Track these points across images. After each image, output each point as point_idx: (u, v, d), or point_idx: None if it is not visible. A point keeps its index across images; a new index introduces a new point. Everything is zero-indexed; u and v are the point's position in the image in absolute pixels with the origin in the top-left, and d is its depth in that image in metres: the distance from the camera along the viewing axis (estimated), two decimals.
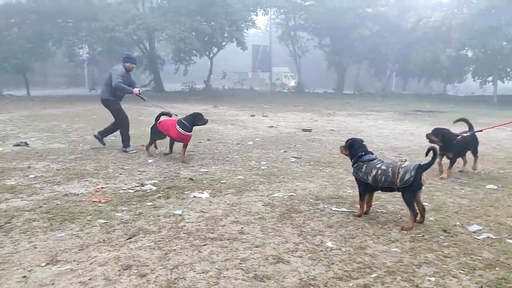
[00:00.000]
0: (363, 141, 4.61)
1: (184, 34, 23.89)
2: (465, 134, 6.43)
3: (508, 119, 16.36)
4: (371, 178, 4.24)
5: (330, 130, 11.98)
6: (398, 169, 4.08)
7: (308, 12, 34.37)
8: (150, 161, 7.07)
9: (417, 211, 4.13)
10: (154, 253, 3.45)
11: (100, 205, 4.67)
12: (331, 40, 36.06)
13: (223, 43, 30.63)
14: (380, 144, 9.57)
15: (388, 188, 4.26)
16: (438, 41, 28.88)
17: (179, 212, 4.48)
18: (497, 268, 3.27)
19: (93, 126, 11.42)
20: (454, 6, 29.02)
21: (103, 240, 3.71)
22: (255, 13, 31.38)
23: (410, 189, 4.06)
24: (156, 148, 8.00)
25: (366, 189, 4.39)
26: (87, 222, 4.14)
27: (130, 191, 5.25)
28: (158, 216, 4.36)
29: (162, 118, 7.49)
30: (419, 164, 4.08)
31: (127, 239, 3.74)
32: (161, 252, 3.47)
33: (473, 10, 26.30)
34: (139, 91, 7.75)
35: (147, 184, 5.55)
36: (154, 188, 5.41)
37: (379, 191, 4.49)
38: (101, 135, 8.21)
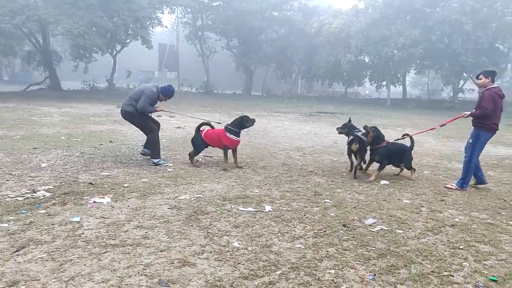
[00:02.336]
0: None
1: (82, 29, 22.32)
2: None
3: (399, 120, 18.14)
4: None
5: None
6: None
7: (215, 12, 34.46)
8: (43, 165, 6.47)
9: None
10: (46, 265, 3.14)
11: None
12: (239, 42, 36.52)
13: (127, 41, 29.37)
14: (286, 144, 9.90)
15: None
16: (339, 46, 30.89)
17: (77, 219, 4.15)
18: (388, 257, 3.54)
19: None
20: (352, 15, 31.24)
21: None
22: (160, 11, 30.57)
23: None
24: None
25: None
26: None
27: (19, 198, 4.74)
28: (53, 224, 3.99)
29: (203, 128, 7.03)
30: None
31: (14, 252, 3.36)
32: (55, 264, 3.18)
33: (368, 19, 28.55)
34: (161, 109, 7.18)
35: (40, 191, 5.06)
36: (48, 194, 4.95)
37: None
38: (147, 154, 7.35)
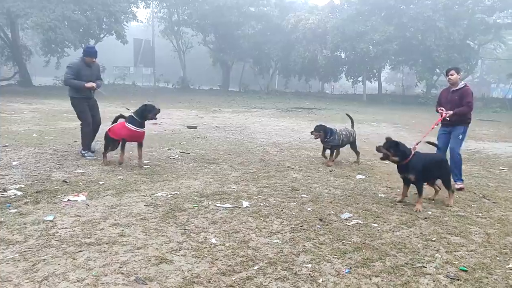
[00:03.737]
0: None
1: (54, 23, 21.72)
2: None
3: (375, 115, 18.43)
4: None
5: (216, 127, 12.06)
6: None
7: (191, 7, 34.15)
8: (14, 163, 6.29)
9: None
10: (18, 266, 3.07)
11: None
12: (215, 37, 36.32)
13: (101, 35, 28.79)
14: (263, 140, 9.92)
15: None
16: (316, 42, 31.12)
17: (51, 217, 4.06)
18: (363, 250, 3.61)
19: None
20: (328, 11, 31.53)
21: None
22: (135, 5, 30.10)
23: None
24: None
25: None
26: None
27: None
28: (25, 224, 3.89)
29: (120, 121, 6.53)
30: None
31: None
32: (28, 264, 3.10)
33: (344, 15, 28.88)
34: (93, 86, 6.85)
35: (10, 189, 4.91)
36: (19, 193, 4.82)
37: None
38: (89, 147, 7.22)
